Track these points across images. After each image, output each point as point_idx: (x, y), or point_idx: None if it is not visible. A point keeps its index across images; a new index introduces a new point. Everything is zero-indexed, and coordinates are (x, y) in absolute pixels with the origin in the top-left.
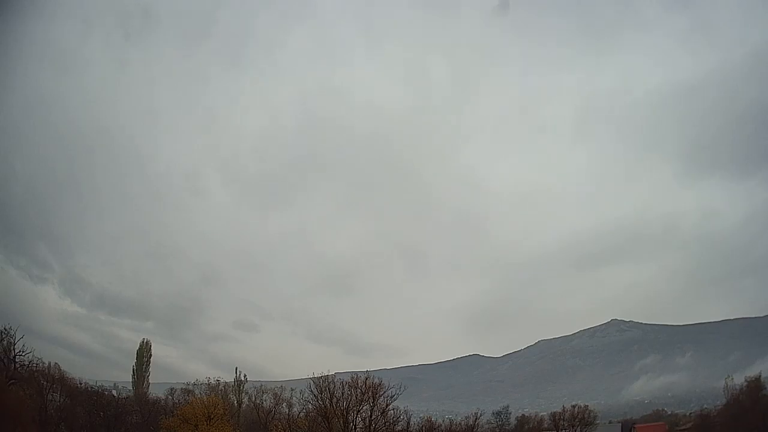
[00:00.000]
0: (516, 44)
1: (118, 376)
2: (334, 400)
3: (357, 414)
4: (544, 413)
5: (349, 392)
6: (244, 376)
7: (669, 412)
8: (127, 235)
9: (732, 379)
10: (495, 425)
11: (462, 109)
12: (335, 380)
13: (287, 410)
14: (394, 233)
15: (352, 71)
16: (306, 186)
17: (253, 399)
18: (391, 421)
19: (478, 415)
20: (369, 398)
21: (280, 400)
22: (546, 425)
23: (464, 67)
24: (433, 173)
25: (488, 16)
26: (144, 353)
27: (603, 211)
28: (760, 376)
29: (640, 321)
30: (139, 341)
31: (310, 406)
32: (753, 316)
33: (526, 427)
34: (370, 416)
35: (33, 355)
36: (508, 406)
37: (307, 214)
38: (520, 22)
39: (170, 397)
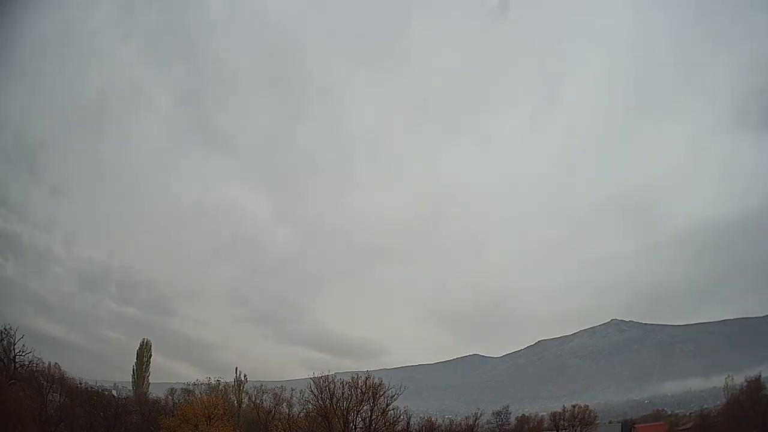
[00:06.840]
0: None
1: (118, 376)
2: (335, 400)
3: (357, 414)
4: (544, 413)
5: (349, 392)
6: (244, 376)
7: (669, 412)
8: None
9: (732, 379)
10: (495, 425)
11: None
12: (335, 380)
13: (287, 410)
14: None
15: None
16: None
17: (253, 399)
18: (391, 421)
19: (478, 415)
20: (369, 398)
21: (280, 400)
22: (546, 425)
23: None
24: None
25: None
26: (144, 353)
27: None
28: (760, 376)
29: (640, 321)
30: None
31: (310, 406)
32: (753, 316)
33: (526, 427)
34: (370, 416)
35: (33, 355)
36: (508, 406)
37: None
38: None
39: (170, 397)
